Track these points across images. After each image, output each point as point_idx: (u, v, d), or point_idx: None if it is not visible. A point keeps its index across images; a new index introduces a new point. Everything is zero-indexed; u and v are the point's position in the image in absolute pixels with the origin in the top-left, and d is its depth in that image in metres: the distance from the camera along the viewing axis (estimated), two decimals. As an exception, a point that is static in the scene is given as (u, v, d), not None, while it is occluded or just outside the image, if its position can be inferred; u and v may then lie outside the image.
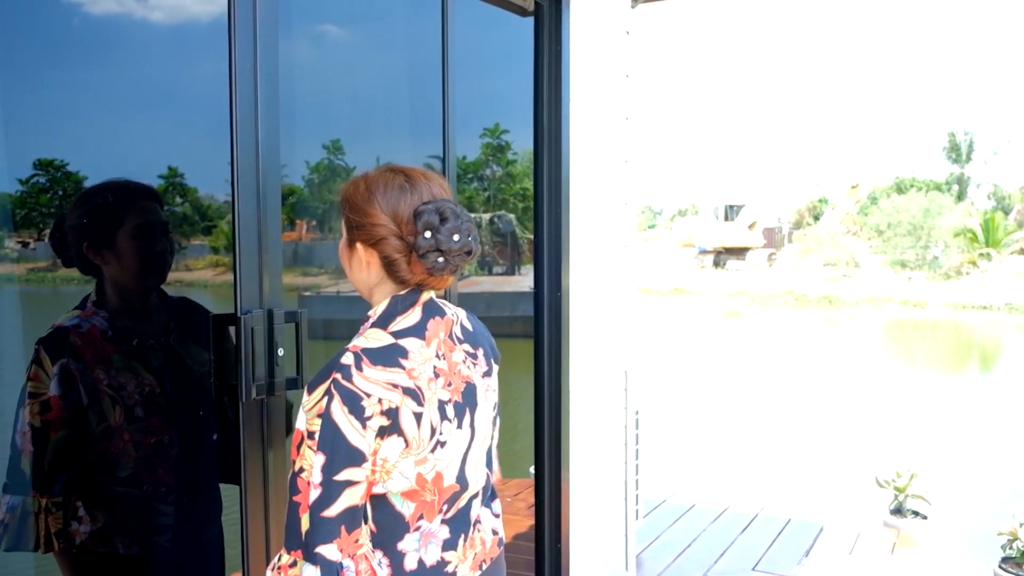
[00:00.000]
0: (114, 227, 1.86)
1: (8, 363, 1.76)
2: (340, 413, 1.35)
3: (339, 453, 1.35)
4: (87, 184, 1.84)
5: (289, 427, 2.03)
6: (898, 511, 5.10)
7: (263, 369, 1.87)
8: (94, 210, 1.86)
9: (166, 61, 2.02)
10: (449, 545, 1.51)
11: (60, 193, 1.81)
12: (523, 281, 3.34)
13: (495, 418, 1.66)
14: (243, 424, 1.87)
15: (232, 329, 1.87)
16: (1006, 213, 40.06)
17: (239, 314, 1.84)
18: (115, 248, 1.87)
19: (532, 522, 3.25)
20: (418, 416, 1.41)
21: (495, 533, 1.66)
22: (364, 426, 1.36)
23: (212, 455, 2.08)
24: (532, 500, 3.26)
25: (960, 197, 43.67)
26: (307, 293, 2.64)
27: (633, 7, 3.76)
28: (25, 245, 1.81)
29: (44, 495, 1.75)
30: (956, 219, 36.18)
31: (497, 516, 1.69)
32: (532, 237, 3.26)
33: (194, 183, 2.06)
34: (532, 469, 3.26)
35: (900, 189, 44.01)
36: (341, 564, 1.37)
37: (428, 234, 1.43)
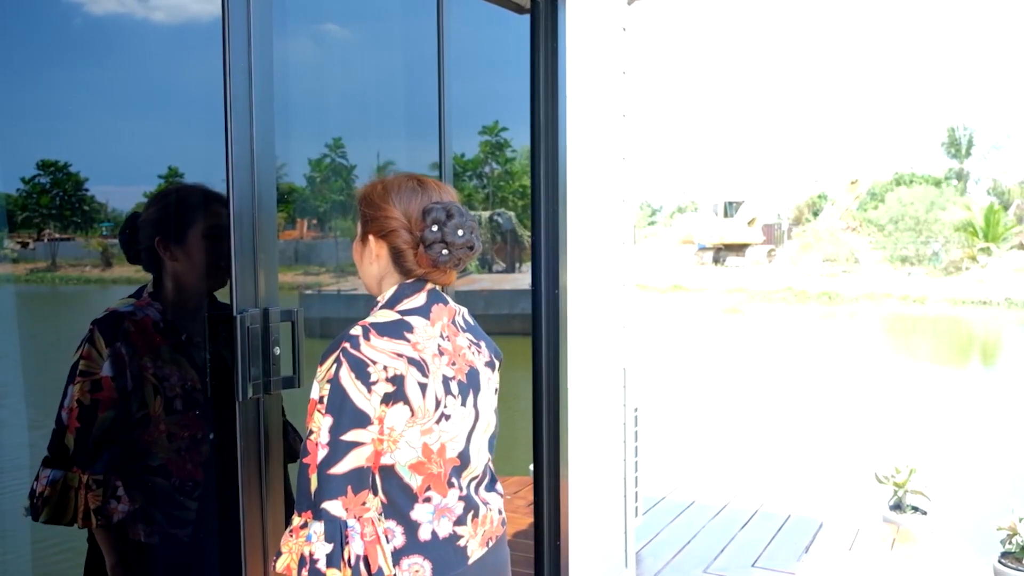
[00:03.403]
0: (187, 225, 1.95)
1: (8, 361, 1.77)
2: (347, 378, 1.46)
3: (345, 415, 1.45)
4: (87, 184, 1.86)
5: (286, 426, 2.04)
6: (897, 507, 5.10)
7: (259, 368, 1.88)
8: (170, 207, 1.96)
9: (166, 61, 2.03)
10: (461, 520, 1.60)
11: (60, 194, 1.82)
12: (522, 279, 3.35)
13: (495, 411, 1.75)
14: (239, 423, 1.87)
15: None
16: (1006, 208, 40.06)
17: (235, 313, 1.84)
18: (185, 245, 1.95)
19: (531, 520, 3.26)
20: (423, 386, 1.52)
21: (500, 513, 1.75)
22: (369, 390, 1.46)
23: (220, 455, 2.08)
24: (531, 498, 3.26)
25: (960, 192, 43.66)
26: (308, 292, 2.64)
27: (629, 4, 3.76)
28: (24, 245, 1.82)
29: (86, 472, 1.78)
30: (958, 212, 36.15)
31: (502, 497, 1.78)
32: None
33: (194, 183, 2.06)
34: (531, 467, 3.26)
35: (900, 184, 43.99)
36: (346, 523, 1.45)
37: (435, 228, 1.57)
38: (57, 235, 1.88)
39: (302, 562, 1.42)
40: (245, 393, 1.85)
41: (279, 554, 1.47)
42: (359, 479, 1.46)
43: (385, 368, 1.47)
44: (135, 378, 1.84)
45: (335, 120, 2.60)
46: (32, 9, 1.74)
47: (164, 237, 1.92)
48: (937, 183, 43.49)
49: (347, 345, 1.48)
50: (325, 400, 1.46)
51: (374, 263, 1.64)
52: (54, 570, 1.97)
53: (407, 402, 1.50)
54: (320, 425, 1.45)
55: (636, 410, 3.92)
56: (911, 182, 44.63)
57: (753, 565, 4.42)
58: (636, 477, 3.96)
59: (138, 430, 1.87)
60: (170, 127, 2.01)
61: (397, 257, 1.61)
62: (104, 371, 1.79)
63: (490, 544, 1.67)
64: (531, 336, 3.21)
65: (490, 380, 1.71)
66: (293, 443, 2.06)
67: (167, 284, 1.93)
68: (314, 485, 1.44)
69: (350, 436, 1.45)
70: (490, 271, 3.58)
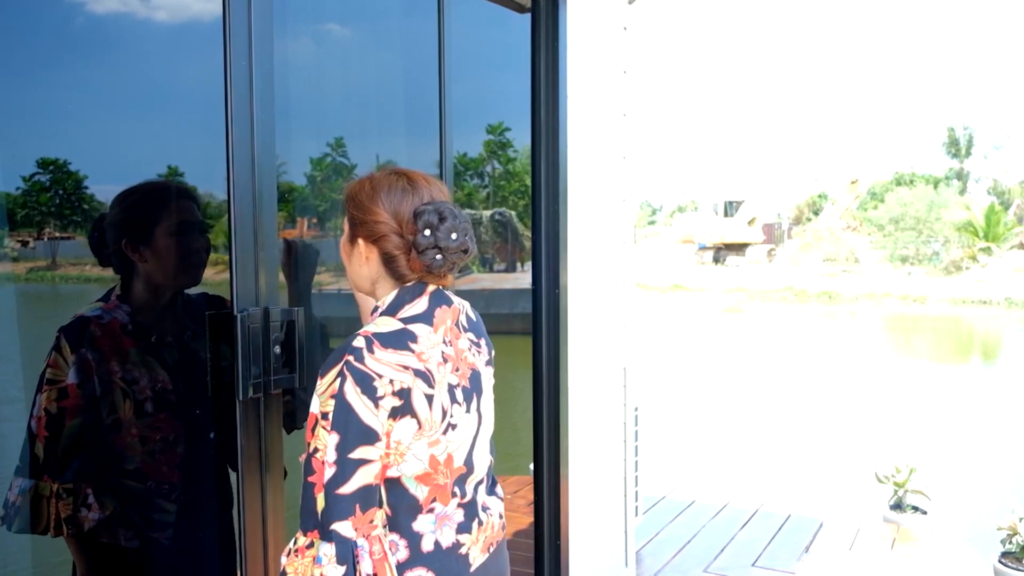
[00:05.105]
0: (153, 224, 1.91)
1: (7, 362, 1.76)
2: (353, 393, 1.40)
3: (352, 432, 1.40)
4: (87, 183, 1.85)
5: (286, 425, 2.04)
6: (898, 506, 5.10)
7: (259, 367, 1.87)
8: (133, 207, 1.90)
9: (167, 60, 2.02)
10: (463, 528, 1.57)
11: (60, 192, 1.82)
12: (523, 278, 3.34)
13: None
14: (239, 423, 1.87)
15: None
16: (1006, 208, 40.06)
17: (235, 312, 1.84)
18: (152, 245, 1.90)
19: (531, 519, 3.25)
20: (429, 398, 1.47)
21: (501, 517, 1.73)
22: (376, 406, 1.41)
23: (218, 455, 2.08)
24: (531, 497, 3.26)
25: (960, 192, 43.68)
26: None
27: (630, 3, 3.76)
28: (25, 244, 1.81)
29: (56, 480, 1.76)
30: (958, 212, 36.16)
31: (502, 500, 1.76)
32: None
33: (194, 182, 2.06)
34: (531, 466, 3.26)
35: (900, 184, 44.00)
36: (355, 543, 1.41)
37: (427, 232, 1.50)
38: (57, 234, 1.87)
39: None
40: (246, 392, 1.84)
41: (284, 574, 1.42)
42: (367, 497, 1.42)
43: (391, 382, 1.41)
44: (103, 383, 1.81)
45: (336, 119, 2.60)
46: (34, 8, 1.74)
47: (131, 238, 1.87)
48: (937, 183, 43.49)
49: (350, 358, 1.41)
50: (330, 416, 1.40)
51: (364, 265, 1.57)
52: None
53: (414, 415, 1.44)
54: (326, 443, 1.39)
55: (636, 410, 3.92)
56: (911, 182, 44.64)
57: (753, 565, 4.42)
58: (636, 477, 3.96)
59: (110, 435, 1.84)
60: (170, 126, 2.00)
61: (388, 262, 1.54)
62: (70, 378, 1.76)
63: (491, 550, 1.65)
64: (531, 335, 3.21)
65: (490, 380, 1.68)
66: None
67: (137, 285, 1.89)
68: (321, 505, 1.39)
69: (358, 454, 1.40)
70: (491, 270, 3.58)
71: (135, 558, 1.92)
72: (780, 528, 4.97)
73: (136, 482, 1.88)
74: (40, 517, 1.75)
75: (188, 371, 1.95)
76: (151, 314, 1.93)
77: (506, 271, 3.68)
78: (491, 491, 1.72)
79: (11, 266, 1.77)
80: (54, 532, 1.76)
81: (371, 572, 1.42)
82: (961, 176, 48.51)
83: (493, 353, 1.72)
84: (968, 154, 49.64)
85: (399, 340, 1.46)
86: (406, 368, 1.44)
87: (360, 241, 1.56)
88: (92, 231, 1.88)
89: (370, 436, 1.40)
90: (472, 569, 1.58)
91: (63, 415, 1.76)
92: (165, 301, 1.97)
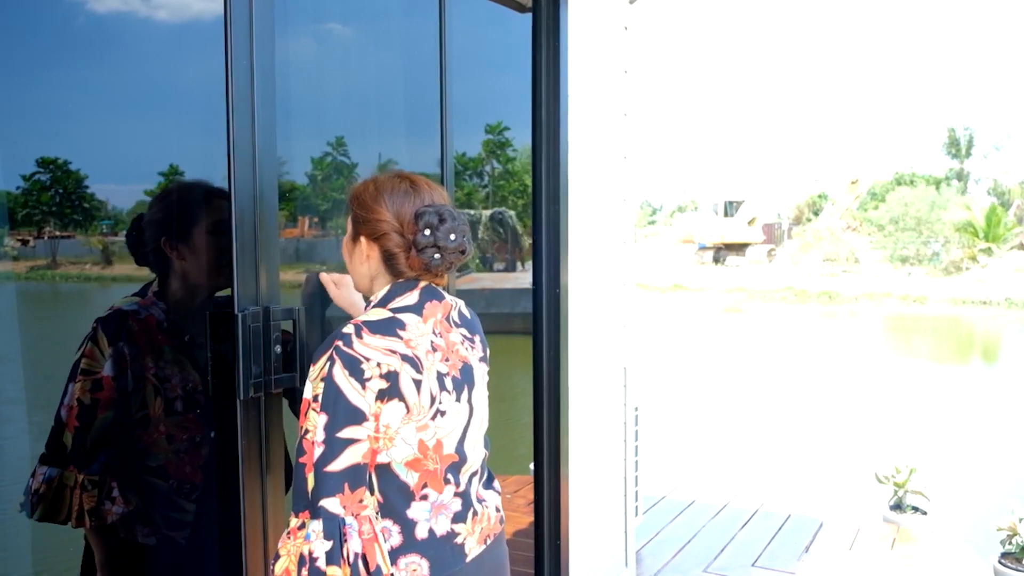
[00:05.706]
0: (193, 222, 1.95)
1: (8, 362, 1.76)
2: (341, 375, 1.45)
3: (340, 412, 1.45)
4: (87, 182, 1.85)
5: (285, 426, 2.04)
6: (898, 507, 5.10)
7: (260, 367, 1.87)
8: (174, 205, 1.94)
9: (168, 59, 2.02)
10: (459, 518, 1.60)
11: (61, 191, 1.82)
12: (523, 278, 3.34)
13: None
14: (240, 422, 1.87)
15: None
16: (1006, 208, 40.05)
17: (236, 311, 1.84)
18: (191, 243, 1.94)
19: (531, 519, 3.25)
20: (418, 383, 1.52)
21: (498, 511, 1.75)
22: (364, 387, 1.46)
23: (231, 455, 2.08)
24: (531, 497, 3.26)
25: (961, 193, 43.67)
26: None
27: (631, 2, 3.76)
28: (25, 243, 1.82)
29: (82, 471, 1.77)
30: (959, 213, 36.15)
31: (499, 494, 1.78)
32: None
33: (195, 179, 2.06)
34: (531, 466, 3.26)
35: (900, 184, 44.02)
36: (343, 520, 1.44)
37: (427, 232, 1.57)
38: (57, 233, 1.88)
39: (301, 561, 1.41)
40: (247, 391, 1.85)
41: (277, 557, 1.45)
42: (356, 476, 1.46)
43: (379, 365, 1.47)
44: (136, 378, 1.83)
45: (337, 119, 2.60)
46: (34, 8, 1.74)
47: (170, 236, 1.91)
48: (937, 183, 43.48)
49: (340, 343, 1.47)
50: (319, 398, 1.45)
51: (364, 263, 1.64)
52: (53, 569, 1.96)
53: (402, 398, 1.49)
54: (315, 423, 1.45)
55: (636, 409, 3.92)
56: (911, 182, 44.64)
57: (753, 565, 4.42)
58: (636, 476, 3.96)
59: (137, 430, 1.86)
60: (171, 125, 2.00)
61: (388, 259, 1.60)
62: (106, 370, 1.78)
63: (488, 542, 1.67)
64: (532, 335, 3.21)
65: (483, 376, 1.71)
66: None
67: (173, 283, 1.92)
68: (311, 484, 1.44)
69: (345, 433, 1.45)
70: (491, 270, 3.58)
71: (149, 555, 1.92)
72: (780, 528, 4.97)
73: (159, 479, 1.89)
74: (62, 507, 1.76)
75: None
76: (186, 313, 1.95)
77: (506, 271, 3.68)
78: (488, 485, 1.75)
79: (11, 265, 1.77)
80: (75, 523, 1.77)
81: (359, 551, 1.45)
82: (961, 176, 48.53)
83: (488, 352, 1.76)
84: (968, 154, 49.67)
85: (388, 327, 1.52)
86: (393, 352, 1.49)
87: (362, 239, 1.63)
88: (130, 229, 1.91)
89: (358, 416, 1.45)
90: (468, 560, 1.60)
91: (96, 406, 1.77)
92: (199, 301, 1.99)
